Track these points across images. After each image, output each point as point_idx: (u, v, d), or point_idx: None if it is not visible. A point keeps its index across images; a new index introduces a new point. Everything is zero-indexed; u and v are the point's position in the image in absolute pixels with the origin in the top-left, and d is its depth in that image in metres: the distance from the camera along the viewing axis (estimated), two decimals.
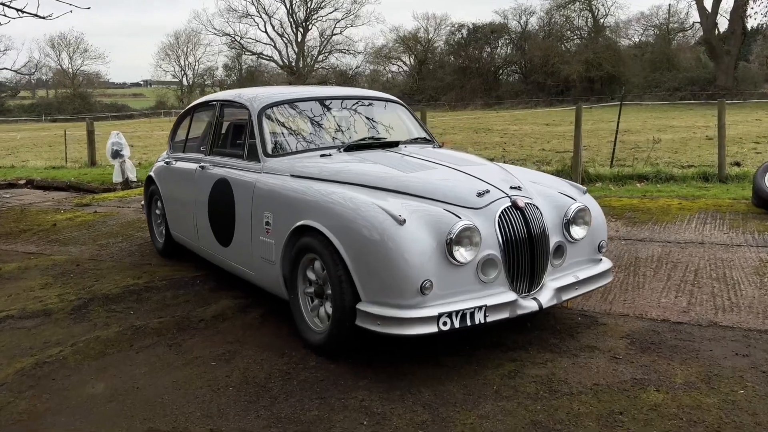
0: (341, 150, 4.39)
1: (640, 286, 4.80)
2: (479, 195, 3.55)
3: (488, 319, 3.34)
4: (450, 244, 3.25)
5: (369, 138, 4.68)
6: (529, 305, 3.49)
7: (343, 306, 3.41)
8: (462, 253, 3.30)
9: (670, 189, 8.95)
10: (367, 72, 64.73)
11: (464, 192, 3.59)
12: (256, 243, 4.18)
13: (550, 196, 3.86)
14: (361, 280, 3.34)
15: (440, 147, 4.90)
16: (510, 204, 3.53)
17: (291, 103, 4.68)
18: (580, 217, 3.80)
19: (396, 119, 5.20)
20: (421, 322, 3.19)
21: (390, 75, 64.16)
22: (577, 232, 3.78)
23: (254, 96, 4.68)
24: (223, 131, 5.07)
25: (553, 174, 10.16)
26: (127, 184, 11.48)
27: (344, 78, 60.98)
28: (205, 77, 75.12)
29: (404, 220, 3.27)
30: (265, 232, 4.08)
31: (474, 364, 3.54)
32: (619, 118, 11.16)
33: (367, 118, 5.01)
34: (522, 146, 16.48)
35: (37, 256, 6.33)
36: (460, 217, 3.34)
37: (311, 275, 3.77)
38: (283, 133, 4.53)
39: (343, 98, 4.97)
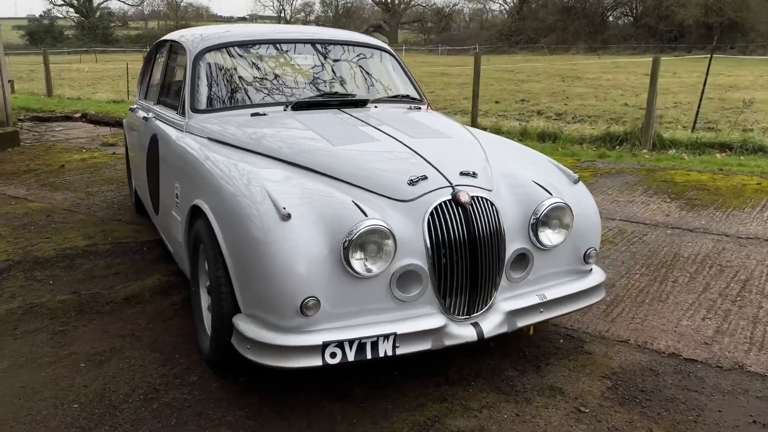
0: (287, 108, 3.57)
1: (662, 298, 3.76)
2: (411, 183, 2.66)
3: (399, 352, 2.50)
4: (347, 249, 2.40)
5: (330, 94, 3.81)
6: (463, 334, 2.61)
7: (221, 315, 2.67)
8: (363, 263, 2.45)
9: (754, 163, 7.50)
10: (466, 10, 62.01)
11: (392, 178, 2.70)
12: (171, 217, 3.49)
13: (519, 186, 2.90)
14: (240, 285, 2.57)
15: (420, 109, 3.95)
16: (450, 197, 2.61)
17: (240, 46, 3.87)
18: (555, 217, 2.82)
19: (381, 72, 4.28)
20: (301, 353, 2.40)
21: (490, 14, 61.18)
22: (549, 236, 2.82)
23: (197, 37, 3.90)
24: (171, 78, 4.34)
25: (620, 135, 8.90)
26: None
27: (440, 16, 58.75)
28: (303, 13, 74.72)
29: (289, 215, 2.44)
30: (175, 206, 3.37)
31: (390, 399, 2.73)
32: (708, 71, 9.54)
33: (339, 70, 4.12)
34: (605, 99, 14.85)
35: (18, 202, 5.96)
36: (366, 214, 2.47)
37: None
38: (221, 84, 3.75)
39: (311, 42, 4.09)
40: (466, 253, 2.59)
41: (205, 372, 2.93)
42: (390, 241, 2.46)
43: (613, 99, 14.88)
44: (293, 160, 2.89)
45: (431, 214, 2.57)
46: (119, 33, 71.03)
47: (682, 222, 5.26)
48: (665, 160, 7.78)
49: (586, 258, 2.97)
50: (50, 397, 2.74)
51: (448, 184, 2.67)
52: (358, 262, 2.43)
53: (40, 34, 62.11)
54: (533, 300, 2.78)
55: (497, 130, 9.90)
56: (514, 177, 2.96)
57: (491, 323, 2.67)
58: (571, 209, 2.83)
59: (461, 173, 2.75)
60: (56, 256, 4.38)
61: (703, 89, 9.49)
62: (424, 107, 3.99)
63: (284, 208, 2.45)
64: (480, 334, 2.62)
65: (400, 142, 3.01)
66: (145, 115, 4.31)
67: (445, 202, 2.60)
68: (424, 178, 2.68)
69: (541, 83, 19.89)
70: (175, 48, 4.25)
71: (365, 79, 4.15)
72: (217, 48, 3.81)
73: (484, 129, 9.96)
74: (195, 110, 3.58)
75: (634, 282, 4.01)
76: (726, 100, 13.94)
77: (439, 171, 2.74)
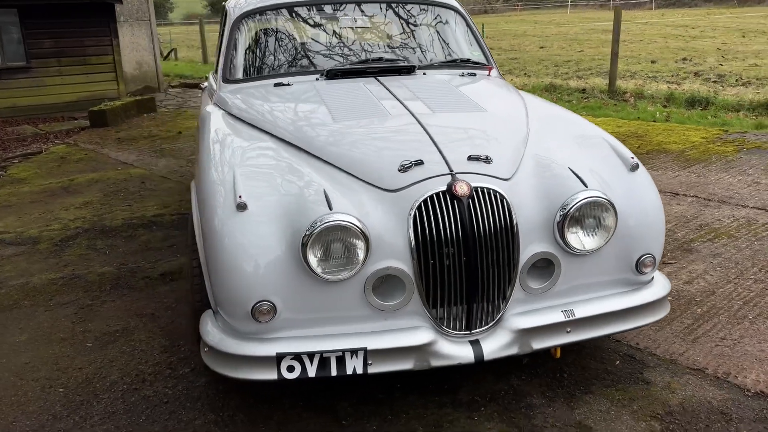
0: (321, 77, 3.22)
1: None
2: (402, 169, 2.21)
3: (372, 370, 2.11)
4: (305, 247, 2.04)
5: (373, 60, 3.39)
6: (456, 354, 2.15)
7: (194, 308, 2.44)
8: (320, 264, 2.06)
9: None
10: None
11: (382, 162, 2.28)
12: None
13: (549, 174, 2.33)
14: (209, 277, 2.30)
15: (474, 75, 3.40)
16: (445, 188, 2.14)
17: (285, 8, 3.55)
18: (590, 215, 2.23)
19: (443, 33, 3.77)
20: (255, 364, 2.10)
21: None
22: (581, 239, 2.23)
23: (241, 0, 3.64)
24: (228, 47, 4.13)
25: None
26: None
27: None
28: None
29: (244, 205, 2.12)
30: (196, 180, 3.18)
31: (378, 419, 2.35)
32: None
33: (392, 33, 3.68)
34: (686, 60, 12.73)
35: (124, 168, 6.21)
36: (331, 207, 2.08)
37: None
38: (257, 52, 3.47)
39: (366, 1, 3.68)
40: (459, 255, 2.11)
41: (198, 364, 2.73)
42: (360, 241, 2.05)
43: (711, 63, 12.72)
44: (291, 139, 2.55)
45: (419, 207, 2.12)
46: None
47: None
48: None
49: (639, 267, 2.34)
50: (43, 377, 2.69)
51: (447, 172, 2.19)
52: (317, 262, 2.06)
53: (221, 4, 66.51)
54: (557, 317, 2.23)
55: (639, 95, 8.80)
56: (548, 162, 2.39)
57: (495, 343, 2.18)
58: (613, 206, 2.22)
59: (470, 158, 2.25)
60: (122, 225, 4.44)
61: None
62: (483, 73, 3.44)
63: (240, 197, 2.13)
64: (479, 355, 2.15)
65: (415, 117, 2.55)
66: (204, 84, 4.17)
67: (438, 193, 2.13)
68: (419, 163, 2.22)
69: (716, 39, 17.58)
70: (227, 14, 4.04)
71: (423, 41, 3.67)
72: (258, 12, 3.53)
73: (624, 93, 8.91)
74: (227, 80, 3.34)
75: (741, 291, 3.23)
76: None
77: (442, 154, 2.26)
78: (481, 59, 3.62)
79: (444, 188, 2.13)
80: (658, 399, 2.42)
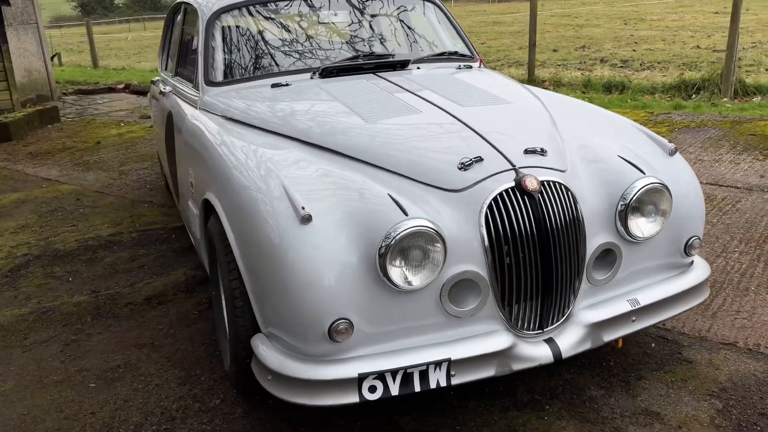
0: (315, 75, 3.04)
1: None
2: (463, 167, 2.11)
3: (455, 381, 2.00)
4: (384, 257, 1.89)
5: (364, 55, 3.25)
6: (535, 354, 2.08)
7: (237, 333, 2.22)
8: (404, 274, 1.94)
9: None
10: None
11: (439, 161, 2.16)
12: (188, 208, 3.04)
13: (600, 164, 2.31)
14: (257, 299, 2.10)
15: (471, 68, 3.35)
16: (513, 184, 2.06)
17: (260, 4, 3.33)
18: (650, 201, 2.23)
19: (424, 26, 3.69)
20: (334, 387, 1.93)
21: None
22: (642, 227, 2.23)
23: None
24: (187, 46, 3.85)
25: (696, 83, 7.99)
26: None
27: None
28: None
29: (309, 217, 1.94)
30: (191, 196, 2.92)
31: (448, 431, 2.24)
32: None
33: (377, 27, 3.54)
34: (673, 43, 13.67)
35: (49, 184, 5.67)
36: (406, 213, 1.94)
37: None
38: (239, 52, 3.24)
39: None
40: (536, 253, 2.04)
41: (228, 393, 2.50)
42: (438, 246, 1.93)
43: (682, 41, 13.68)
44: (320, 142, 2.38)
45: (489, 206, 2.03)
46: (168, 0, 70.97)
47: None
48: (751, 110, 6.91)
49: (687, 249, 2.37)
50: (52, 428, 2.37)
51: (510, 167, 2.11)
52: (398, 272, 1.92)
53: (91, 5, 62.78)
54: (623, 307, 2.21)
55: (557, 83, 9.12)
56: (592, 151, 2.37)
57: (570, 339, 2.13)
58: (669, 191, 2.23)
59: (526, 151, 2.18)
60: (78, 248, 4.03)
61: None
62: (475, 65, 3.39)
63: (303, 208, 1.95)
64: (557, 353, 2.09)
65: (448, 112, 2.45)
66: (163, 88, 3.85)
67: (507, 190, 2.04)
68: (479, 159, 2.13)
69: (602, 27, 18.59)
70: (189, 11, 3.75)
71: (406, 35, 3.57)
72: (234, 8, 3.29)
73: (543, 82, 9.20)
74: (210, 83, 3.09)
75: (733, 263, 3.38)
76: None
77: (497, 149, 2.18)
78: (465, 51, 3.56)
79: (512, 184, 2.05)
80: (708, 377, 2.46)
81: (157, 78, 4.65)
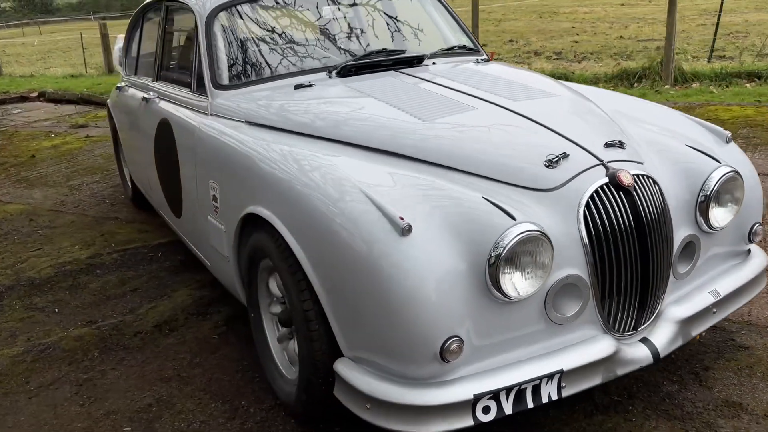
0: (331, 74, 2.84)
1: None
2: (549, 164, 2.00)
3: (565, 393, 1.88)
4: (495, 267, 1.75)
5: (378, 52, 3.08)
6: (637, 356, 2.00)
7: (313, 359, 2.02)
8: (517, 283, 1.81)
9: None
10: None
11: (523, 159, 2.04)
12: (205, 224, 2.78)
13: (672, 154, 2.26)
14: (339, 320, 1.91)
15: (487, 61, 3.25)
16: (607, 180, 1.96)
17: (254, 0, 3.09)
18: (727, 190, 2.20)
19: (423, 18, 3.55)
20: (446, 412, 1.77)
21: None
22: (719, 217, 2.20)
23: None
24: (173, 47, 3.55)
25: (638, 72, 8.25)
26: None
27: None
28: None
29: (409, 227, 1.77)
30: (213, 211, 2.66)
31: None
32: None
33: (379, 21, 3.38)
34: (595, 34, 14.16)
35: None
36: (514, 218, 1.81)
37: (275, 289, 2.37)
38: (245, 51, 2.99)
39: None
40: (634, 250, 1.96)
41: (286, 424, 2.29)
42: (547, 250, 1.81)
43: (603, 33, 14.19)
44: (380, 145, 2.20)
45: (587, 205, 1.93)
46: (60, 1, 67.34)
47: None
48: (694, 95, 7.20)
49: (751, 236, 2.36)
50: None
51: (597, 162, 2.02)
52: (509, 282, 1.79)
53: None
54: (706, 299, 2.17)
55: None
56: (660, 142, 2.32)
57: (663, 337, 2.06)
58: (742, 178, 2.21)
59: (606, 144, 2.10)
60: (56, 274, 3.64)
61: (720, 14, 8.87)
62: (486, 59, 3.29)
63: (401, 218, 1.78)
64: (655, 353, 2.01)
65: (504, 107, 2.33)
66: (146, 95, 3.52)
67: (602, 186, 1.95)
68: (564, 156, 2.02)
69: (520, 21, 19.04)
70: (174, 9, 3.46)
71: (413, 28, 3.42)
72: (232, 4, 3.04)
73: None
74: (219, 86, 2.83)
75: None
76: (723, 25, 13.30)
77: (577, 144, 2.08)
78: (470, 44, 3.46)
79: (605, 180, 1.96)
80: None
81: (121, 84, 4.28)
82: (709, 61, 8.82)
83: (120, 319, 3.09)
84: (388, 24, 3.40)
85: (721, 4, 8.88)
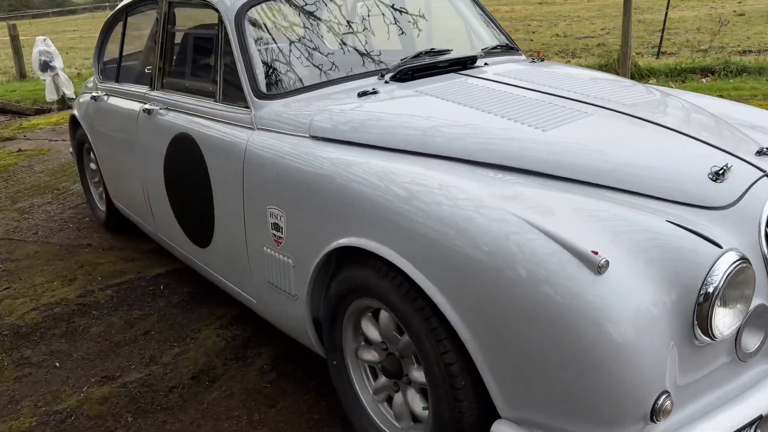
0: (383, 78, 2.50)
1: None
2: (717, 177, 1.75)
3: None
4: (708, 306, 1.48)
5: (426, 52, 2.75)
6: None
7: (459, 422, 1.68)
8: (726, 322, 1.55)
9: (749, 86, 7.15)
10: None
11: (682, 170, 1.79)
12: (257, 256, 2.36)
13: None
14: (498, 375, 1.59)
15: (542, 60, 2.99)
16: None
17: None
18: None
19: (451, 14, 3.27)
20: None
21: None
22: None
23: None
24: (179, 49, 3.08)
25: (594, 69, 8.29)
26: (64, 102, 9.34)
27: None
28: None
29: (606, 263, 1.47)
30: (273, 242, 2.25)
31: None
32: None
33: (408, 15, 3.06)
34: (529, 32, 14.31)
35: None
36: (720, 245, 1.55)
37: (372, 332, 2.01)
38: (287, 53, 2.59)
39: None
40: None
41: None
42: (751, 281, 1.57)
43: (537, 31, 14.35)
44: (503, 161, 1.88)
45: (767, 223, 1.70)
46: None
47: None
48: None
49: None
50: None
51: (762, 173, 1.79)
52: (721, 321, 1.52)
53: None
54: None
55: None
56: None
57: None
58: None
59: (758, 152, 1.88)
60: (43, 319, 3.09)
61: (667, 10, 9.08)
62: (535, 58, 3.04)
63: (595, 252, 1.47)
64: None
65: (623, 113, 2.07)
66: (148, 106, 3.03)
67: None
68: (727, 167, 1.78)
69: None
70: (179, 5, 2.99)
71: (453, 28, 3.13)
72: (262, 0, 2.63)
73: None
74: (262, 95, 2.43)
75: None
76: (646, 22, 13.79)
77: (732, 154, 1.85)
78: (508, 42, 3.20)
79: None
80: None
81: (96, 93, 3.72)
82: (657, 57, 8.99)
83: (144, 372, 2.61)
84: (417, 22, 3.08)
85: (668, 3, 9.08)
